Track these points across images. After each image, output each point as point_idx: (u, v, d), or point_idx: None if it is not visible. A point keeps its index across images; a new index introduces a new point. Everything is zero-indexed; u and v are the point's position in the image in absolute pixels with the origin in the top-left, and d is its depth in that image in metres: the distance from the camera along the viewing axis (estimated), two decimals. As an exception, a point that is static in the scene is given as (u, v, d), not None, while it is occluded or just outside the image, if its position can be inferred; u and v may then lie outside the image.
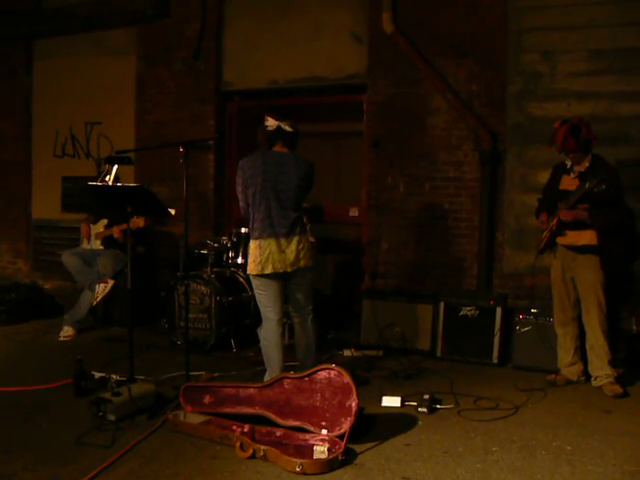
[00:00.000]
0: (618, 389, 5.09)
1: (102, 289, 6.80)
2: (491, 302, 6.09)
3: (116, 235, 6.89)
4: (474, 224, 6.85)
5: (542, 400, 5.00)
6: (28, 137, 9.40)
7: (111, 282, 6.81)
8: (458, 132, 6.92)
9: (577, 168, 5.20)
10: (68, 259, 6.96)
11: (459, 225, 6.96)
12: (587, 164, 5.15)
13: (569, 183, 5.23)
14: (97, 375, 5.16)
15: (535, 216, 5.58)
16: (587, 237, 5.12)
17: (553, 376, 5.41)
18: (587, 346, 5.29)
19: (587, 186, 4.90)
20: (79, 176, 8.69)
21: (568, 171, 5.27)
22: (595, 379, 5.25)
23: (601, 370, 5.20)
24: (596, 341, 5.19)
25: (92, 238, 7.09)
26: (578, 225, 5.10)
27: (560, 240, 5.29)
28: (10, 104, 9.43)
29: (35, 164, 9.41)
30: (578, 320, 5.36)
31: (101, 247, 7.04)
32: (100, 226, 7.11)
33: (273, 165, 4.83)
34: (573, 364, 5.38)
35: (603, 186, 4.85)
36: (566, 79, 6.47)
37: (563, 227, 5.19)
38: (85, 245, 7.14)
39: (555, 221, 5.21)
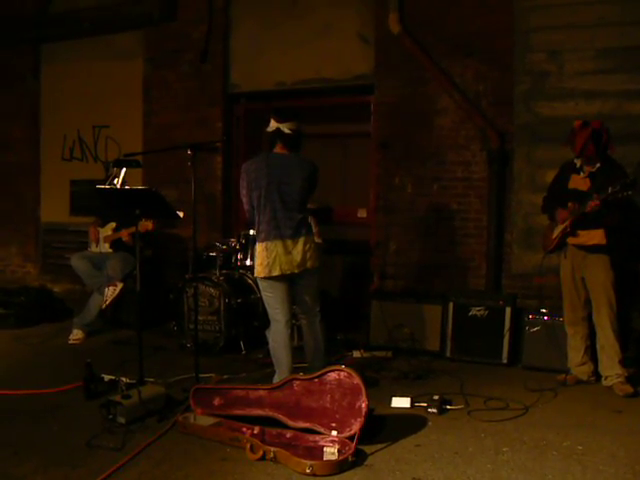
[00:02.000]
0: (629, 389, 5.07)
1: (111, 292, 6.80)
2: (500, 302, 6.08)
3: (125, 238, 6.91)
4: (482, 224, 6.84)
5: (552, 400, 4.99)
6: (36, 141, 9.42)
7: (120, 285, 6.82)
8: (466, 132, 6.91)
9: (588, 168, 5.17)
10: (77, 262, 6.98)
11: (467, 225, 6.95)
12: (598, 164, 5.12)
13: (579, 183, 5.21)
14: (107, 378, 5.15)
15: (548, 215, 5.54)
16: (598, 236, 5.09)
17: (563, 376, 5.38)
18: (598, 346, 5.27)
19: (610, 191, 4.83)
20: (87, 179, 8.71)
21: (578, 170, 5.25)
22: (605, 379, 5.23)
23: (611, 370, 5.18)
24: (606, 340, 5.17)
25: (100, 241, 7.10)
26: (590, 225, 5.07)
27: (571, 240, 5.26)
28: (18, 108, 9.46)
29: (43, 167, 9.43)
30: (588, 320, 5.34)
31: (110, 250, 7.05)
32: (108, 229, 7.12)
33: (276, 167, 4.83)
34: (583, 364, 5.36)
35: (629, 192, 4.79)
36: (574, 78, 6.46)
37: (576, 227, 5.16)
38: (94, 248, 7.15)
39: (569, 222, 5.18)
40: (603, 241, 5.08)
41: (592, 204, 4.96)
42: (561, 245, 5.35)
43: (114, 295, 6.81)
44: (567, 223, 5.21)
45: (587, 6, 6.38)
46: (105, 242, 7.10)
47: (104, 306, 6.84)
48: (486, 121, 6.74)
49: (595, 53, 6.38)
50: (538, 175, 6.63)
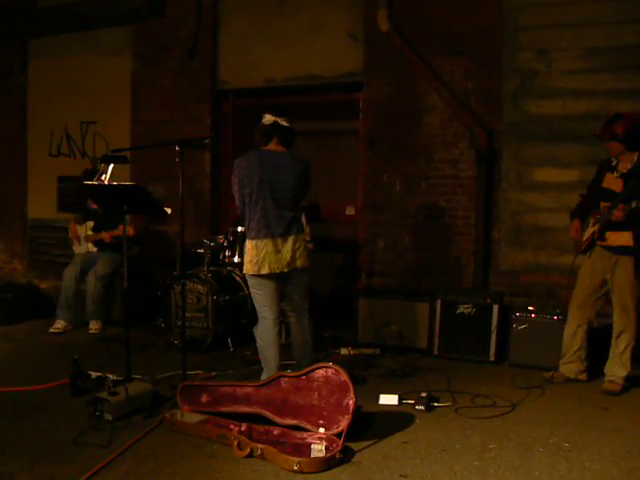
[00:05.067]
0: (612, 387, 5.09)
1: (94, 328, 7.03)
2: (488, 300, 6.08)
3: (106, 240, 6.96)
4: (470, 222, 6.85)
5: (539, 397, 5.02)
6: (23, 137, 9.36)
7: (100, 324, 7.06)
8: (454, 130, 6.92)
9: (621, 168, 5.06)
10: (68, 282, 7.09)
11: (456, 223, 6.96)
12: (629, 165, 5.01)
13: (612, 182, 5.10)
14: (94, 375, 5.15)
15: (570, 215, 5.45)
16: (625, 238, 5.00)
17: (550, 373, 5.40)
18: (612, 344, 5.22)
19: (633, 205, 4.80)
20: (75, 175, 8.65)
21: (612, 169, 5.13)
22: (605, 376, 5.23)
23: (609, 370, 5.18)
24: (616, 342, 5.16)
25: (82, 240, 7.19)
26: (618, 226, 4.98)
27: (598, 241, 5.17)
28: (5, 103, 9.40)
29: (30, 164, 9.37)
30: (588, 322, 5.31)
31: (95, 249, 7.15)
32: (87, 229, 7.20)
33: (269, 165, 4.80)
34: (571, 362, 5.36)
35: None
36: (562, 77, 6.48)
37: (605, 230, 5.08)
38: (78, 248, 7.25)
39: (597, 228, 5.10)
40: (630, 243, 4.98)
41: (616, 214, 4.92)
42: (591, 246, 5.24)
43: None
44: (595, 228, 5.13)
45: (576, 5, 6.41)
46: (88, 242, 7.19)
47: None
48: (474, 119, 6.75)
49: (583, 52, 6.40)
50: (526, 173, 6.65)
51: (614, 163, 5.14)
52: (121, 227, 5.57)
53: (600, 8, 6.32)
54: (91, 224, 7.18)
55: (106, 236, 6.99)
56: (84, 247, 7.25)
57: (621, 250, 5.06)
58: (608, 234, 5.08)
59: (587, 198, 5.39)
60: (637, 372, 5.43)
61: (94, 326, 7.05)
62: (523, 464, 3.80)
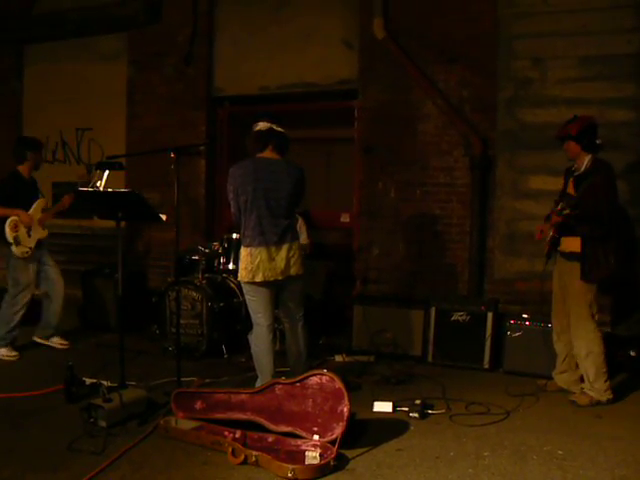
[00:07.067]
0: (583, 400, 5.04)
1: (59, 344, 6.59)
2: (482, 307, 6.09)
3: (67, 204, 6.40)
4: (465, 229, 6.87)
5: (533, 405, 5.02)
6: (18, 143, 9.35)
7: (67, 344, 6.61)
8: (449, 138, 6.94)
9: (577, 172, 5.13)
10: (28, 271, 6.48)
11: (450, 231, 6.98)
12: (582, 168, 5.07)
13: (570, 186, 5.18)
14: (88, 381, 5.13)
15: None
16: (574, 244, 5.05)
17: (544, 381, 5.40)
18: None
19: (559, 207, 4.94)
20: (70, 182, 8.65)
21: (572, 173, 5.21)
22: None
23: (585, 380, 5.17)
24: (575, 350, 5.17)
25: (32, 229, 6.29)
26: (570, 231, 5.04)
27: (558, 247, 5.23)
28: (0, 109, 9.39)
29: (25, 170, 9.36)
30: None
31: (45, 234, 6.42)
32: (37, 210, 6.34)
33: (264, 172, 4.80)
34: (563, 372, 5.34)
35: (567, 210, 4.87)
36: (556, 85, 6.51)
37: (559, 234, 5.13)
38: (26, 244, 6.26)
39: (552, 231, 5.16)
40: (578, 249, 5.02)
41: (553, 219, 5.05)
42: (552, 250, 5.29)
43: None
44: (551, 233, 5.19)
45: (570, 14, 6.44)
46: (39, 225, 6.36)
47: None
48: (469, 127, 6.77)
49: (577, 61, 6.43)
50: (520, 181, 6.67)
51: (573, 168, 5.21)
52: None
53: (593, 17, 6.36)
54: (42, 202, 6.36)
55: (67, 200, 6.32)
56: (34, 238, 6.31)
57: (571, 256, 5.09)
58: (563, 239, 5.14)
59: (556, 205, 5.38)
60: (631, 380, 5.48)
61: (62, 341, 6.63)
62: (517, 472, 3.81)
